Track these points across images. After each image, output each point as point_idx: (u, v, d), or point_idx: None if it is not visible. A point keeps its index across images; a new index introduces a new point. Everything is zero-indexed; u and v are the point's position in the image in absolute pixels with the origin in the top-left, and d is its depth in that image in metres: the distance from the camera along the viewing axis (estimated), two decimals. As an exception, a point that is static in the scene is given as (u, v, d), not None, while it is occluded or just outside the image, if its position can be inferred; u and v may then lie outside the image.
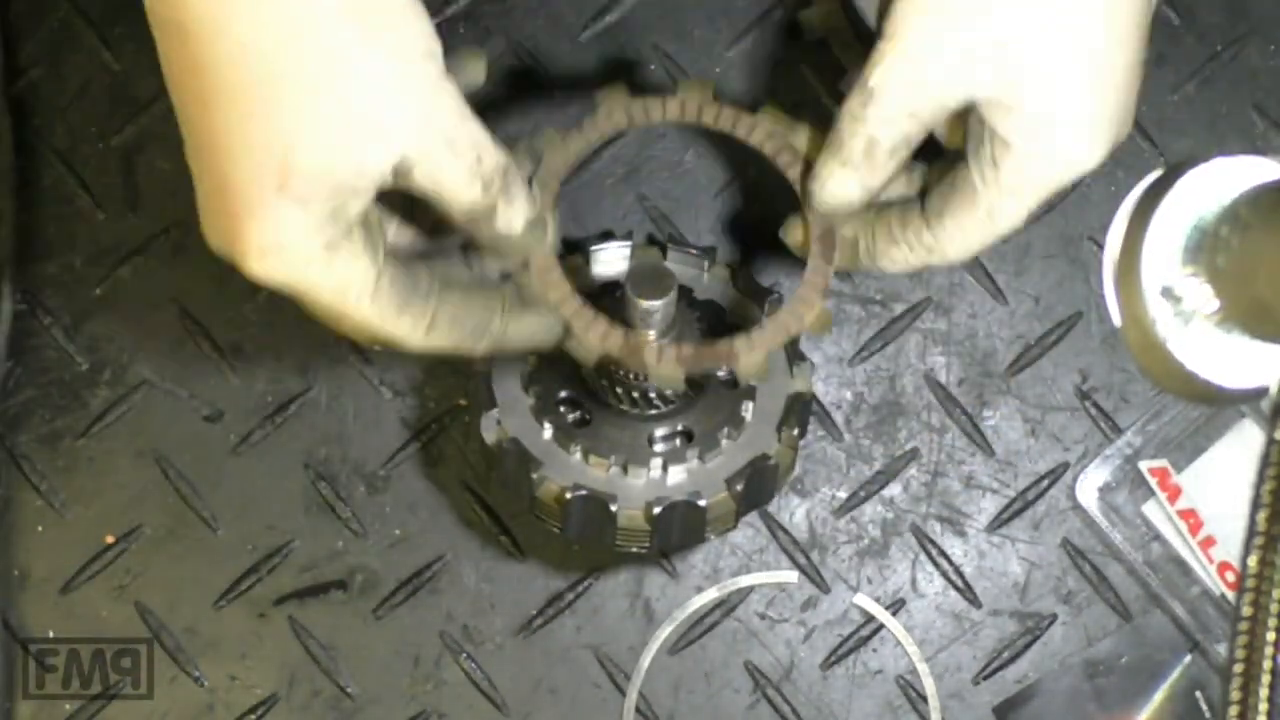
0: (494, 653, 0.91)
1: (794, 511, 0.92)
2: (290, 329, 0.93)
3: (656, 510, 0.76)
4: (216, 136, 0.65)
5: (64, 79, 0.94)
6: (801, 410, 0.80)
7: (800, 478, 0.92)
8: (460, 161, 0.68)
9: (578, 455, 0.78)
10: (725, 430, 0.79)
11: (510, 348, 0.74)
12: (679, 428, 0.80)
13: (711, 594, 0.91)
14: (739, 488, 0.77)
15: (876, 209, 0.75)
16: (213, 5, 0.63)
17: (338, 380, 0.92)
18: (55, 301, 0.93)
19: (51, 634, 0.91)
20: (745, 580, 0.91)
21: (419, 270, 0.71)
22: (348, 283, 0.68)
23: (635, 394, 0.77)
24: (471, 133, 0.68)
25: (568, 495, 0.76)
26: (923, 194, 0.75)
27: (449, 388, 0.92)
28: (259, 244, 0.66)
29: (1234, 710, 0.47)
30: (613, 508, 0.76)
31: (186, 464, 0.92)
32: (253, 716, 0.91)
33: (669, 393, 0.77)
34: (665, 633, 0.91)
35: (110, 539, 0.92)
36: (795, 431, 0.80)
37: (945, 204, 0.73)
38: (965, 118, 0.71)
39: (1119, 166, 0.93)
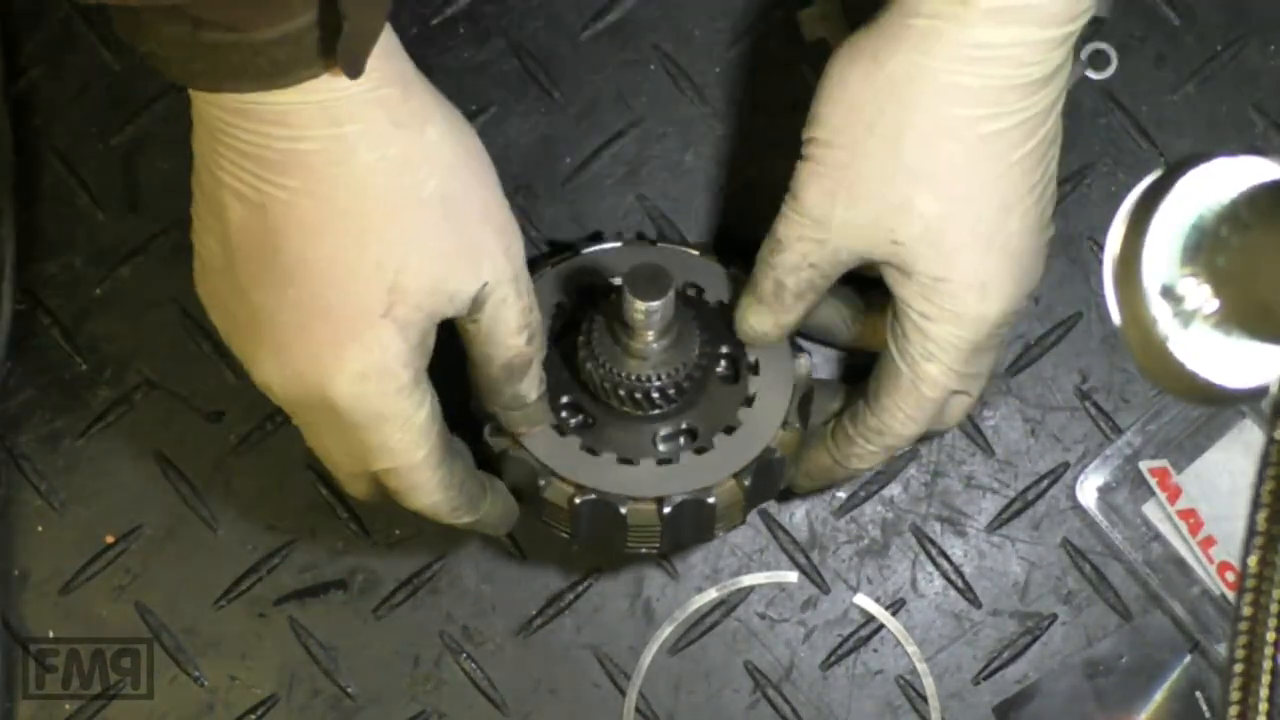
0: (494, 653, 0.91)
1: (794, 511, 0.92)
2: (290, 329, 0.93)
3: (666, 510, 0.76)
4: (319, 264, 0.67)
5: (64, 79, 0.94)
6: (803, 402, 0.81)
7: (800, 478, 0.92)
8: (521, 302, 0.73)
9: (584, 458, 0.78)
10: (728, 425, 0.79)
11: (480, 528, 0.80)
12: (682, 425, 0.80)
13: (711, 594, 0.91)
14: (747, 481, 0.77)
15: (832, 426, 0.82)
16: (335, 138, 0.66)
17: (338, 380, 0.92)
18: (55, 301, 0.93)
19: (51, 634, 0.91)
20: (746, 580, 0.91)
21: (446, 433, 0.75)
22: (425, 420, 0.72)
23: (637, 395, 0.77)
24: (529, 278, 0.74)
25: (576, 500, 0.76)
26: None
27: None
28: (360, 368, 0.68)
29: (1234, 710, 0.47)
30: (622, 510, 0.76)
31: (186, 464, 0.92)
32: (253, 716, 0.91)
33: (670, 391, 0.77)
34: (665, 633, 0.91)
35: (110, 539, 0.92)
36: (798, 424, 0.80)
37: (879, 386, 0.78)
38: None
39: (1119, 166, 0.93)
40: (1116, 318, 0.52)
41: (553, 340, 0.81)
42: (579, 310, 0.81)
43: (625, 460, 0.78)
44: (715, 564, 0.92)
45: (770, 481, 0.81)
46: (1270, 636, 0.46)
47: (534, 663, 0.91)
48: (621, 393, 0.77)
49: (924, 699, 0.91)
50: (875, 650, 0.91)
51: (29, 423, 0.92)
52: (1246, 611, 0.47)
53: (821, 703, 0.91)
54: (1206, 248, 0.50)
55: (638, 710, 0.91)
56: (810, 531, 0.92)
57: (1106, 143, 0.93)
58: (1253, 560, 0.46)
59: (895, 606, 0.91)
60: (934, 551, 0.92)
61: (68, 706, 0.91)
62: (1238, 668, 0.47)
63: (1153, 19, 0.94)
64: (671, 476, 0.78)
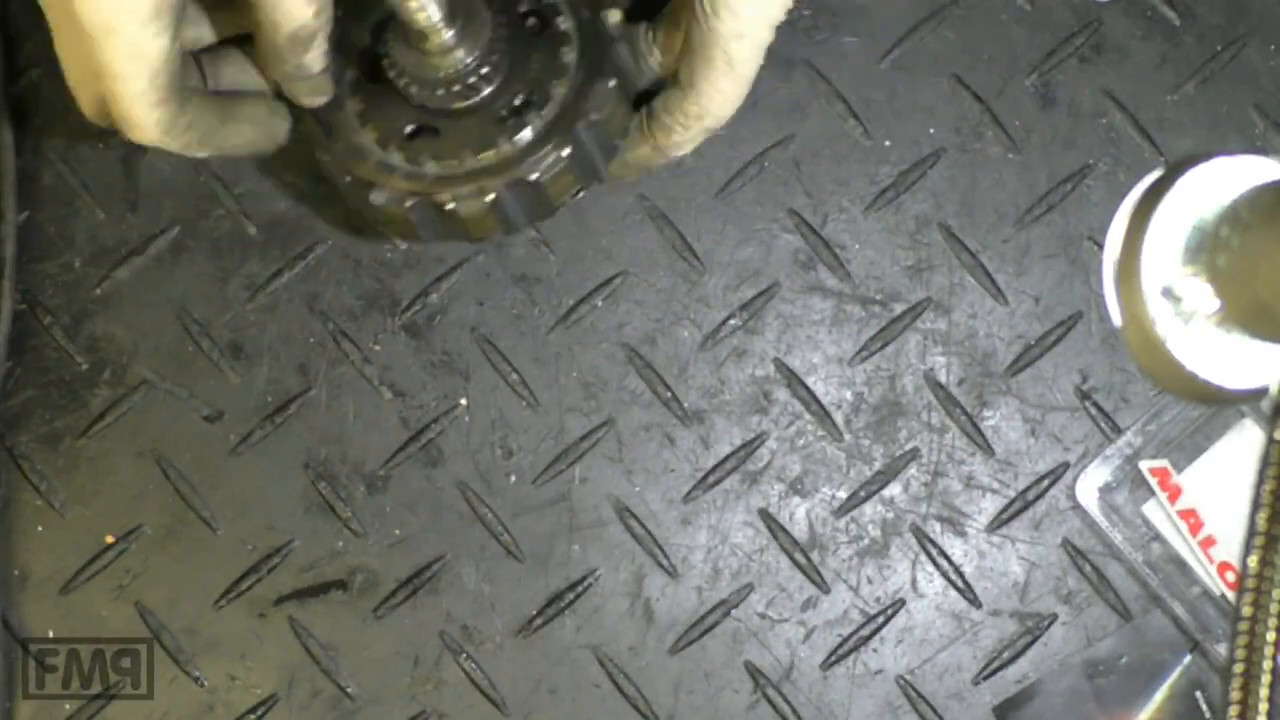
0: (494, 653, 0.91)
1: (794, 511, 0.92)
2: (290, 329, 0.93)
3: (488, 198, 0.74)
4: None
5: (64, 79, 0.94)
6: (614, 56, 0.77)
7: (800, 477, 0.92)
8: None
9: (430, 166, 0.75)
10: (551, 90, 0.76)
11: (223, 155, 0.76)
12: (516, 101, 0.76)
13: (712, 593, 0.91)
14: (566, 152, 0.75)
15: (645, 114, 0.78)
16: None
17: (338, 380, 0.92)
18: (55, 301, 0.93)
19: (51, 634, 0.91)
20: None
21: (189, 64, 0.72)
22: (156, 54, 0.67)
23: (455, 88, 0.74)
24: None
25: (407, 204, 0.74)
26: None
27: (449, 388, 0.93)
28: None
29: (1234, 710, 0.47)
30: (450, 206, 0.74)
31: (186, 464, 0.92)
32: (253, 716, 0.91)
33: (479, 74, 0.74)
34: (665, 633, 0.91)
35: (110, 539, 0.92)
36: (612, 83, 0.76)
37: (693, 73, 0.75)
38: None
39: (1119, 166, 0.93)
40: (1116, 318, 0.52)
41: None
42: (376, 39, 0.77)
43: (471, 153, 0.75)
44: (715, 564, 0.92)
45: (597, 154, 0.77)
46: (1270, 636, 0.46)
47: (534, 663, 0.91)
48: (440, 93, 0.74)
49: (924, 699, 0.91)
50: (875, 650, 0.91)
51: (29, 423, 0.92)
52: (1246, 611, 0.47)
53: (821, 703, 0.91)
54: (1206, 248, 0.50)
55: (638, 710, 0.91)
56: (810, 531, 0.92)
57: (1106, 143, 0.93)
58: (1253, 560, 0.46)
59: (895, 606, 0.91)
60: (934, 551, 0.92)
61: (68, 706, 0.91)
62: (1238, 668, 0.47)
63: (1153, 19, 0.94)
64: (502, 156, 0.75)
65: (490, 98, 0.75)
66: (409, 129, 0.76)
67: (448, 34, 0.71)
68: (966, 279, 0.93)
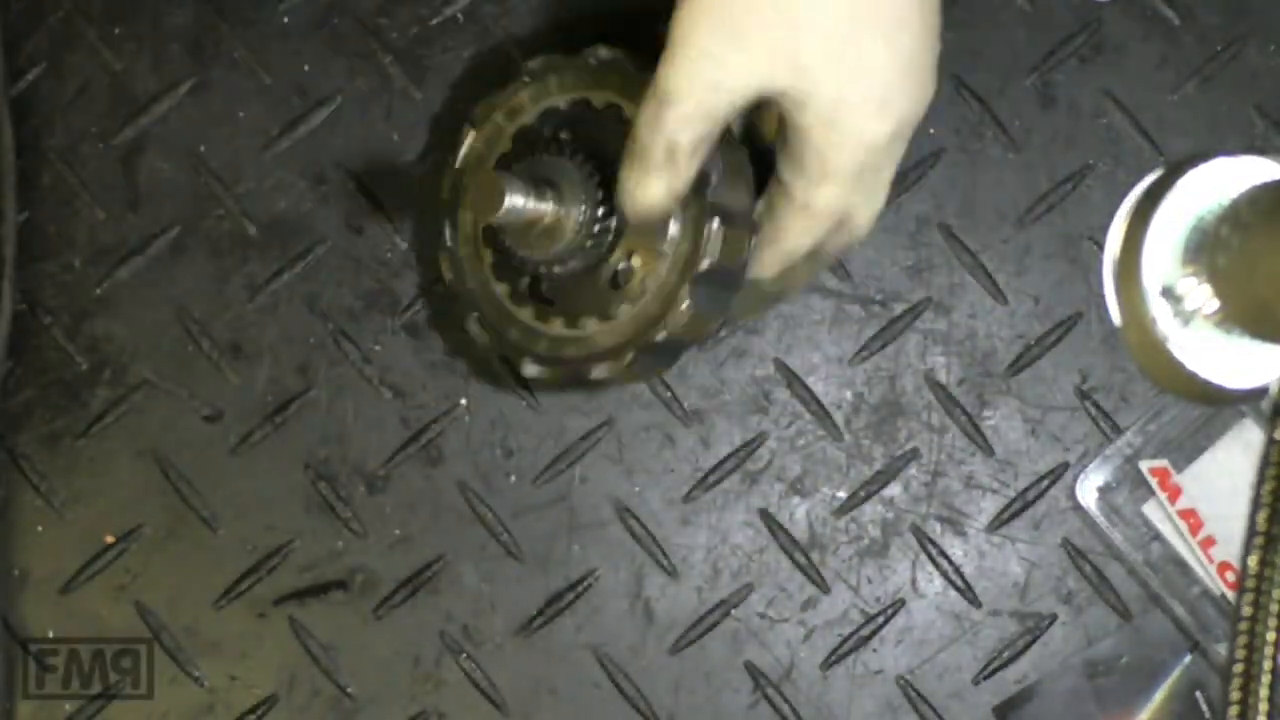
0: (494, 653, 0.91)
1: (794, 511, 0.92)
2: (290, 329, 0.93)
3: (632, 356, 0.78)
4: None
5: (64, 79, 0.94)
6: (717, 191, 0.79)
7: (800, 478, 0.92)
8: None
9: (557, 327, 0.80)
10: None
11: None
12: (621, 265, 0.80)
13: (712, 593, 0.91)
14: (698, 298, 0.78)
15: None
16: None
17: (338, 380, 0.92)
18: (55, 301, 0.93)
19: (51, 634, 0.91)
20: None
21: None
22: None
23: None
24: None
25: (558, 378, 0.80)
26: None
27: (449, 388, 0.93)
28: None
29: (1234, 710, 0.47)
30: (593, 375, 0.78)
31: (186, 464, 0.92)
32: (253, 716, 0.91)
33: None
34: (665, 633, 0.91)
35: (110, 539, 0.92)
36: (716, 223, 0.78)
37: (772, 208, 0.78)
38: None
39: (1119, 166, 0.93)
40: (1116, 318, 0.52)
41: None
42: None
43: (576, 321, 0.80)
44: (715, 564, 0.92)
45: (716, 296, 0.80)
46: (1270, 636, 0.46)
47: (534, 663, 0.91)
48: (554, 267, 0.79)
49: (924, 699, 0.91)
50: (875, 650, 0.91)
51: (29, 423, 0.92)
52: (1246, 611, 0.47)
53: (821, 703, 0.91)
54: (1206, 248, 0.50)
55: (638, 710, 0.91)
56: (810, 531, 0.92)
57: (1106, 143, 0.93)
58: (1253, 560, 0.46)
59: (895, 606, 0.91)
60: (934, 551, 0.92)
61: (68, 706, 0.91)
62: (1238, 668, 0.47)
63: (1153, 19, 0.94)
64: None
65: (597, 261, 0.79)
66: (526, 283, 0.81)
67: (546, 221, 0.76)
68: (966, 279, 0.93)
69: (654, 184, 0.73)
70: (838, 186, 0.75)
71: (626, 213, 0.75)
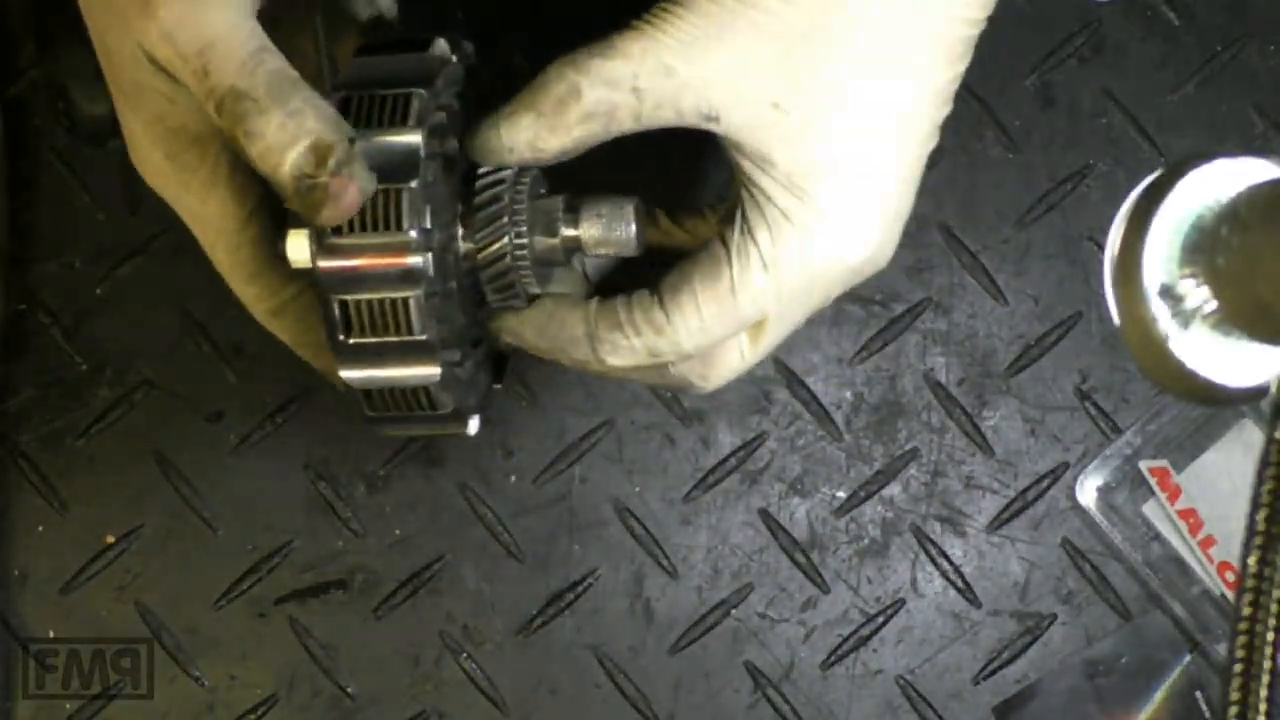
0: (494, 653, 0.91)
1: (794, 511, 0.92)
2: (290, 329, 0.93)
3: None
4: None
5: (64, 79, 0.94)
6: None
7: (800, 478, 0.92)
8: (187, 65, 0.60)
9: None
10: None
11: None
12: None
13: (712, 593, 0.91)
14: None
15: (597, 302, 0.69)
16: None
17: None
18: (55, 301, 0.93)
19: (51, 634, 0.91)
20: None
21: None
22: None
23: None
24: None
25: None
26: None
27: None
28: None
29: (1234, 710, 0.47)
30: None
31: (186, 464, 0.92)
32: (253, 716, 0.91)
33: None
34: (665, 633, 0.91)
35: (110, 539, 0.92)
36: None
37: (685, 277, 0.66)
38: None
39: (1119, 166, 0.94)
40: (1116, 318, 0.52)
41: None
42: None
43: None
44: (715, 564, 0.92)
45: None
46: (1270, 636, 0.46)
47: (534, 663, 0.91)
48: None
49: (924, 699, 0.91)
50: (875, 650, 0.91)
51: (29, 423, 0.92)
52: (1246, 611, 0.47)
53: (821, 703, 0.91)
54: (1206, 248, 0.50)
55: (638, 710, 0.91)
56: (810, 531, 0.92)
57: (1106, 143, 0.93)
58: (1252, 560, 0.46)
59: (895, 606, 0.91)
60: (934, 551, 0.92)
61: (68, 706, 0.91)
62: (1237, 667, 0.47)
63: (1153, 19, 0.94)
64: None
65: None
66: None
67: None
68: (966, 279, 0.93)
69: (526, 125, 0.64)
70: (783, 286, 0.64)
71: (474, 146, 0.66)
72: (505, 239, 0.68)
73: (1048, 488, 0.92)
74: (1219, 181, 0.51)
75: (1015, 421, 0.92)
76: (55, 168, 0.94)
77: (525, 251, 0.69)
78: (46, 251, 0.93)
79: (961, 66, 0.66)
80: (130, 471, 0.92)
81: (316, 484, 0.92)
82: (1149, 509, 0.92)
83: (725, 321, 0.66)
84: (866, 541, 0.92)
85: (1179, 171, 0.51)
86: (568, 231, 0.69)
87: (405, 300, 0.64)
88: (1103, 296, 0.52)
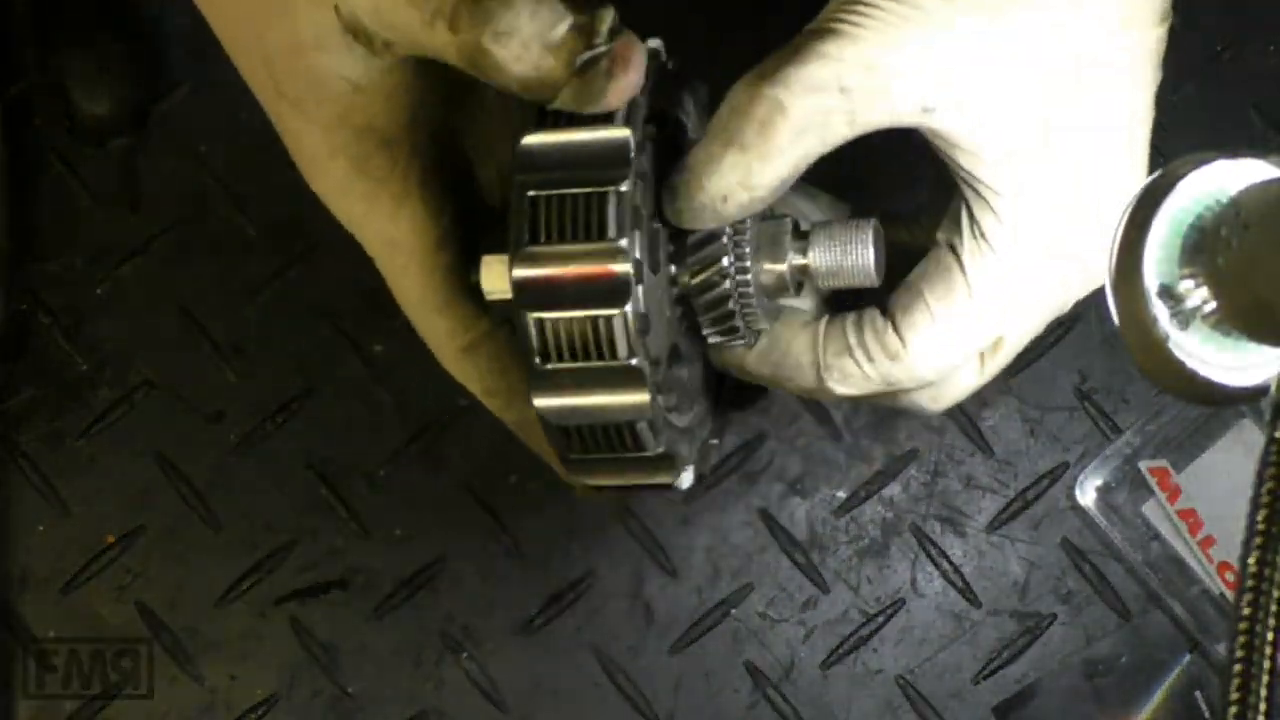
0: (494, 653, 0.91)
1: (794, 511, 0.92)
2: (290, 329, 0.93)
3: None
4: None
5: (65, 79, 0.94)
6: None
7: (800, 477, 0.92)
8: None
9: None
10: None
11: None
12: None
13: (712, 593, 0.91)
14: None
15: (826, 322, 0.64)
16: None
17: (338, 380, 0.92)
18: (55, 301, 0.93)
19: (52, 634, 0.91)
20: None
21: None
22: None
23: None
24: None
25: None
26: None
27: (449, 388, 0.92)
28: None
29: (1233, 710, 0.47)
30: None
31: (187, 464, 0.92)
32: (253, 716, 0.91)
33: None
34: (665, 633, 0.91)
35: (111, 539, 0.92)
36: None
37: (915, 294, 0.61)
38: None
39: (1119, 167, 0.93)
40: (1116, 318, 0.52)
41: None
42: None
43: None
44: (715, 564, 0.92)
45: None
46: (1270, 636, 0.46)
47: (534, 663, 0.91)
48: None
49: (924, 699, 0.91)
50: (875, 650, 0.91)
51: (29, 423, 0.92)
52: (1246, 611, 0.47)
53: (821, 703, 0.91)
54: (1206, 248, 0.50)
55: (638, 710, 0.91)
56: (810, 531, 0.92)
57: (1106, 143, 0.93)
58: (1252, 560, 0.46)
59: (895, 606, 0.91)
60: (934, 551, 0.92)
61: (68, 706, 0.91)
62: (1237, 667, 0.47)
63: (1152, 19, 0.94)
64: None
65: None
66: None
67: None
68: (966, 279, 0.93)
69: (733, 166, 0.56)
70: (1015, 294, 0.60)
71: (673, 207, 0.59)
72: (724, 261, 0.61)
73: (1047, 488, 0.92)
74: (1219, 181, 0.51)
75: (1015, 421, 0.92)
76: (55, 168, 0.94)
77: (749, 277, 0.61)
78: (46, 251, 0.93)
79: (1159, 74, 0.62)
80: (130, 471, 0.92)
81: (316, 484, 0.92)
82: (1149, 509, 0.92)
83: (965, 340, 0.61)
84: (866, 541, 0.92)
85: (1179, 171, 0.51)
86: (797, 260, 0.62)
87: (611, 319, 0.56)
88: (1103, 296, 0.52)
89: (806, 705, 0.91)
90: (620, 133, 0.56)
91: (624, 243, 0.55)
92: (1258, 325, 0.50)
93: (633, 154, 0.56)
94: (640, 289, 0.57)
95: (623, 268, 0.55)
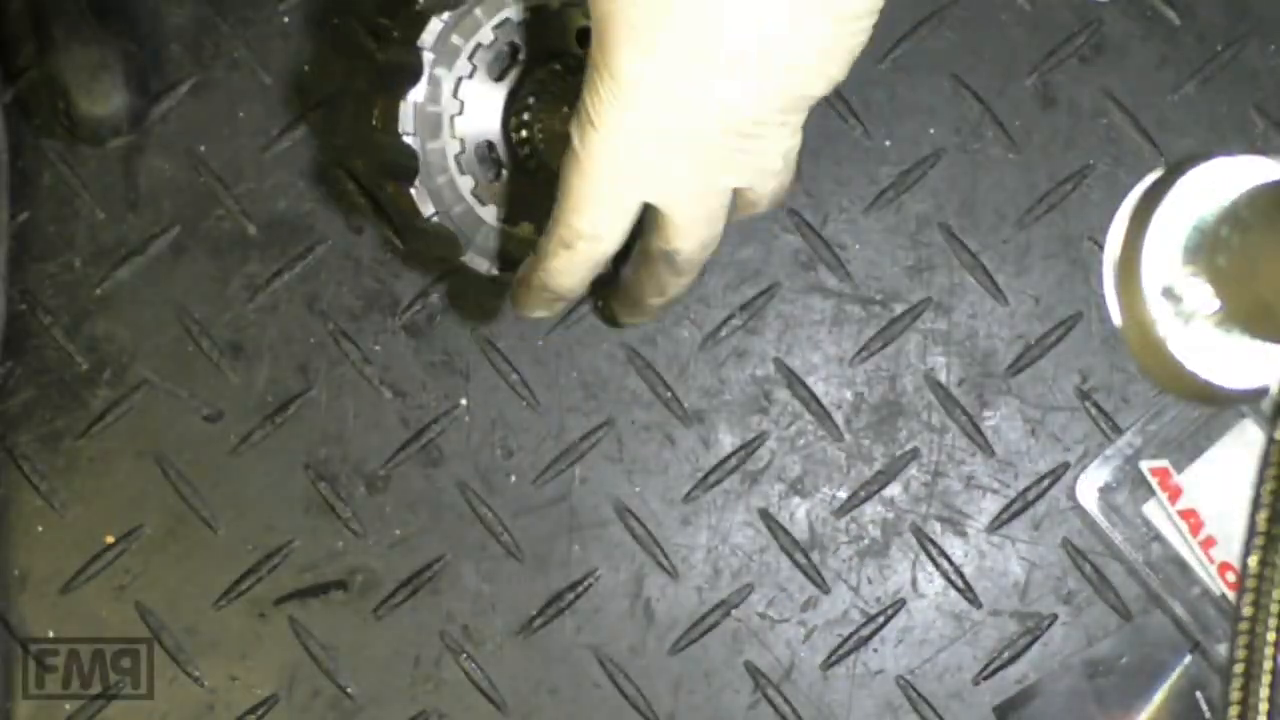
0: (494, 653, 0.91)
1: (794, 511, 0.92)
2: (290, 329, 0.93)
3: None
4: None
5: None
6: None
7: (800, 478, 0.92)
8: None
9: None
10: None
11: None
12: None
13: (712, 593, 0.91)
14: None
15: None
16: None
17: (338, 380, 0.92)
18: (55, 301, 0.93)
19: (51, 634, 0.91)
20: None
21: None
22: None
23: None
24: None
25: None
26: None
27: (449, 388, 0.93)
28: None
29: (1234, 710, 0.47)
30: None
31: (186, 464, 0.92)
32: (253, 716, 0.91)
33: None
34: (665, 633, 0.91)
35: (110, 539, 0.92)
36: None
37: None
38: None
39: (1119, 166, 0.93)
40: (1116, 318, 0.52)
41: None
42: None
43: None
44: (715, 564, 0.92)
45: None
46: (1270, 636, 0.46)
47: (534, 663, 0.91)
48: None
49: (924, 699, 0.91)
50: (875, 650, 0.91)
51: (29, 423, 0.92)
52: (1246, 611, 0.46)
53: (821, 703, 0.91)
54: (1206, 248, 0.50)
55: (638, 710, 0.91)
56: (810, 531, 0.92)
57: (1106, 143, 0.93)
58: (1253, 560, 0.46)
59: (895, 606, 0.91)
60: (934, 551, 0.92)
61: (68, 706, 0.91)
62: (1238, 668, 0.47)
63: (1153, 19, 0.94)
64: None
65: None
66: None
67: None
68: (966, 279, 0.93)
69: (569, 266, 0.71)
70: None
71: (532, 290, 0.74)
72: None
73: (1048, 488, 0.92)
74: (1219, 181, 0.51)
75: (1015, 421, 0.92)
76: (55, 168, 0.94)
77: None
78: (46, 251, 0.93)
79: None
80: (130, 471, 0.92)
81: (317, 484, 0.92)
82: (1149, 509, 0.92)
83: (593, 198, 0.68)
84: (867, 541, 0.92)
85: (1179, 171, 0.51)
86: None
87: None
88: (1103, 296, 0.52)
89: (807, 706, 0.91)
90: None
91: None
92: (1258, 325, 0.50)
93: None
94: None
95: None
